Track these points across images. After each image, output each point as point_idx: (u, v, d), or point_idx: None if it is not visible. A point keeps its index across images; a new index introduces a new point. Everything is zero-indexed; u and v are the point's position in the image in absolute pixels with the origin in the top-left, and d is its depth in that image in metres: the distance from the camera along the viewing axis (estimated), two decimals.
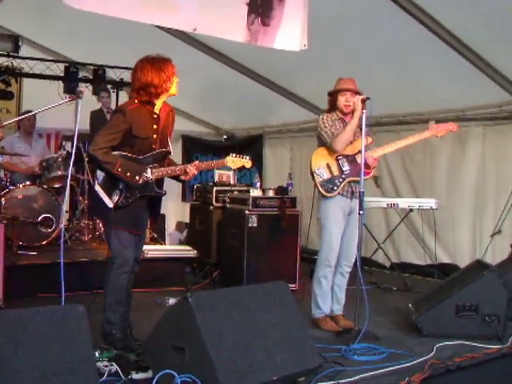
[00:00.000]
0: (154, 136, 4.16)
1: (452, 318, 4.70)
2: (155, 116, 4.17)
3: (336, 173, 4.89)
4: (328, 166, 4.92)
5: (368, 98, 4.65)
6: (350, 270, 4.99)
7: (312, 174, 4.97)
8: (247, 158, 4.41)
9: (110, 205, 4.06)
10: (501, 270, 5.03)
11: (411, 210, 7.07)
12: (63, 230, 3.98)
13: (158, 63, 4.11)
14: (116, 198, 4.08)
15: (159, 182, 4.26)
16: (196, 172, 4.23)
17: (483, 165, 7.03)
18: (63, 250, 3.85)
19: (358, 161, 4.76)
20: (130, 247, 4.16)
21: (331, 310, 5.02)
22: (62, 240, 3.99)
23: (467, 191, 7.17)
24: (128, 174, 4.03)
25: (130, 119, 4.02)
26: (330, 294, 4.99)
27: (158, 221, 8.63)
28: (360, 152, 4.67)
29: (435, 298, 4.93)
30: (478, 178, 7.08)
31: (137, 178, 4.06)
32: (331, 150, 4.88)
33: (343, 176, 4.87)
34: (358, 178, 4.70)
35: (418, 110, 7.21)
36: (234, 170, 4.47)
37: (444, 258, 7.41)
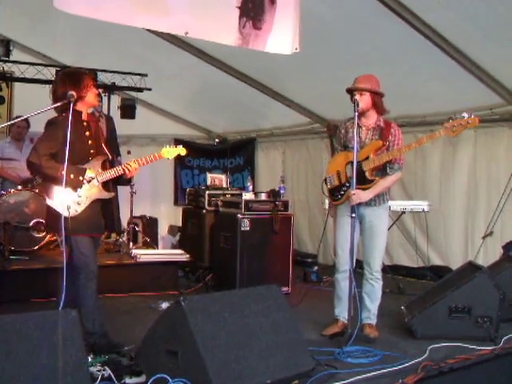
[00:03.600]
0: (90, 142, 4.35)
1: (445, 319, 4.72)
2: (85, 124, 4.36)
3: (343, 180, 4.88)
4: (338, 173, 4.93)
5: (355, 100, 4.60)
6: (372, 276, 4.82)
7: (325, 180, 5.03)
8: (180, 146, 4.66)
9: (66, 214, 4.10)
10: (493, 272, 5.05)
11: (403, 213, 7.09)
12: (63, 233, 3.97)
13: (72, 75, 4.34)
14: (70, 206, 4.16)
15: (106, 185, 4.39)
16: (137, 166, 4.39)
17: (475, 167, 7.05)
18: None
19: (364, 168, 4.70)
20: (92, 254, 4.29)
21: (361, 319, 4.79)
22: (63, 243, 4.00)
23: (459, 193, 7.19)
24: (72, 175, 4.15)
25: (63, 127, 4.10)
26: (342, 300, 4.87)
27: (153, 225, 8.63)
28: (367, 159, 4.70)
29: (428, 300, 4.95)
30: (470, 180, 7.10)
31: (80, 178, 4.20)
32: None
33: (347, 184, 4.82)
34: (362, 186, 4.69)
35: (408, 112, 7.22)
36: (172, 157, 4.65)
37: (436, 260, 7.43)
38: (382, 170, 4.78)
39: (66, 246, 4.32)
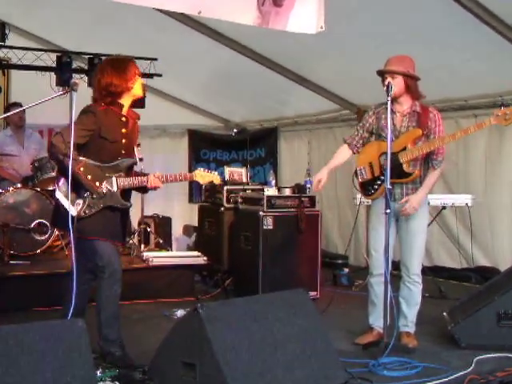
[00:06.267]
0: (123, 141, 4.35)
1: (493, 327, 4.68)
2: (124, 119, 4.36)
3: (377, 173, 4.85)
4: (370, 165, 4.90)
5: (389, 84, 4.52)
6: (410, 280, 4.79)
7: (355, 173, 5.01)
8: (215, 173, 4.66)
9: (73, 213, 4.11)
10: None
11: (444, 208, 7.04)
12: (72, 235, 4.00)
13: (118, 63, 4.34)
14: (79, 206, 4.17)
15: (126, 193, 4.38)
16: (160, 185, 4.40)
17: None
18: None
19: (401, 159, 4.65)
20: (115, 254, 4.30)
21: (398, 326, 4.80)
22: (73, 245, 4.02)
23: (506, 185, 7.12)
24: (89, 176, 4.15)
25: (99, 120, 4.17)
26: (377, 306, 4.84)
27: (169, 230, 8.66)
28: (404, 149, 4.66)
29: (473, 306, 4.91)
30: None
31: (97, 183, 4.19)
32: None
33: (382, 177, 4.77)
34: (399, 180, 4.67)
35: (448, 95, 7.17)
36: (221, 181, 4.67)
37: (482, 261, 7.37)
38: (421, 162, 4.76)
39: (77, 250, 4.36)
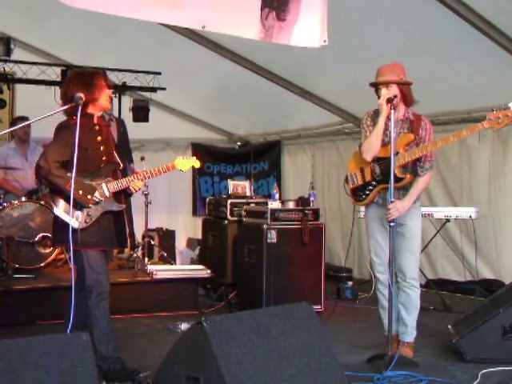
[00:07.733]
0: (102, 148, 4.41)
1: (498, 340, 4.65)
2: (97, 128, 4.42)
3: (368, 178, 4.84)
4: (361, 171, 4.89)
5: (395, 97, 4.57)
6: (407, 284, 4.76)
7: (346, 179, 5.00)
8: (194, 158, 4.77)
9: (76, 225, 4.16)
10: None
11: (448, 221, 7.03)
12: (72, 247, 4.00)
13: (83, 76, 4.40)
14: (79, 218, 4.21)
15: (118, 196, 4.44)
16: (141, 185, 4.53)
17: None
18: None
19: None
20: (104, 271, 4.35)
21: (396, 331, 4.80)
22: (72, 260, 4.02)
23: (510, 198, 7.11)
24: (80, 192, 4.18)
25: (75, 133, 4.15)
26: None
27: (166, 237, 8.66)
28: (396, 154, 4.63)
29: (478, 319, 4.88)
30: None
31: (89, 196, 4.23)
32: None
33: (374, 183, 4.80)
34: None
35: (451, 108, 7.17)
36: (185, 169, 4.73)
37: (486, 274, 7.35)
38: (412, 167, 4.74)
39: (74, 262, 4.36)
